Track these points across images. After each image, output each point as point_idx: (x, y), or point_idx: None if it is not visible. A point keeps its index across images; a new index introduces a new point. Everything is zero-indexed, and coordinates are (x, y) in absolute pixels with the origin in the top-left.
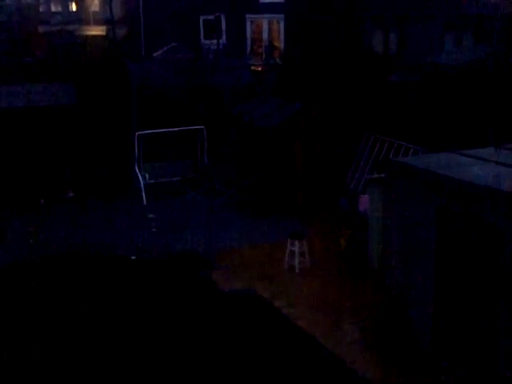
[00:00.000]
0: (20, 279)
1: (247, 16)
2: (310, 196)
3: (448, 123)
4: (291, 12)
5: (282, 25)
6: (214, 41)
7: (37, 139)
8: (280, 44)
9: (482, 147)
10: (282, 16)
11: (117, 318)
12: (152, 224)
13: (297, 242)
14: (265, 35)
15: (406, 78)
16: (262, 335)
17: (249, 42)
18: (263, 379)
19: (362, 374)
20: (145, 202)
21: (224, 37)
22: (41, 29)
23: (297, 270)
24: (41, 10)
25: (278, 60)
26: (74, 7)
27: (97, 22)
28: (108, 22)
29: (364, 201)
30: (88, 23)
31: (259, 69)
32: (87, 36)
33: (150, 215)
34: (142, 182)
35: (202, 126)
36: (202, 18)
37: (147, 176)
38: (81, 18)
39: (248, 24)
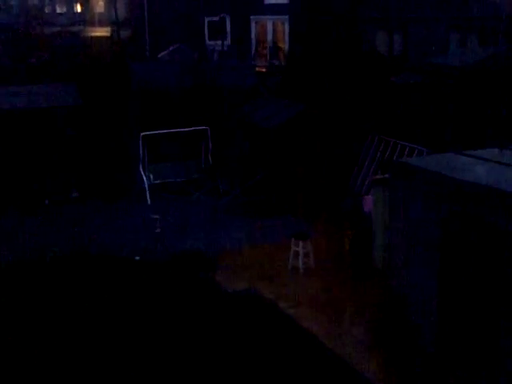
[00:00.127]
0: (24, 279)
1: (252, 17)
2: (314, 197)
3: (452, 124)
4: (295, 13)
5: (286, 26)
6: (219, 42)
7: (41, 140)
8: (284, 45)
9: (486, 148)
10: (286, 17)
11: (121, 319)
12: (156, 224)
13: (301, 243)
14: (269, 36)
15: (410, 79)
16: (266, 336)
17: (253, 43)
18: (266, 379)
19: (366, 374)
20: (149, 203)
21: (228, 38)
22: (46, 30)
23: (301, 271)
24: (46, 11)
25: (282, 61)
26: (78, 8)
27: (101, 24)
28: (113, 23)
29: (368, 201)
30: (93, 24)
31: (263, 70)
32: (92, 37)
33: (154, 216)
34: (146, 183)
35: (207, 127)
36: (206, 19)
37: (151, 176)
38: (85, 19)
39: (252, 25)
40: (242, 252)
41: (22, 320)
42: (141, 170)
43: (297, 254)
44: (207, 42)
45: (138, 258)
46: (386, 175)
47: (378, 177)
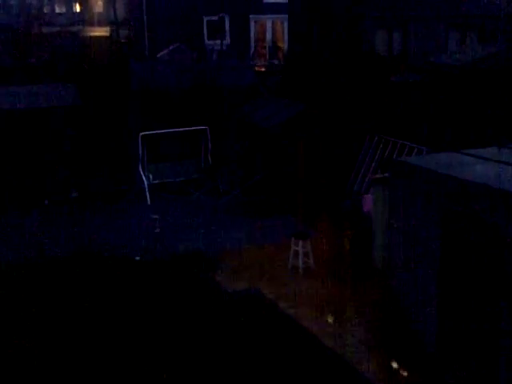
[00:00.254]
0: (24, 279)
1: (251, 16)
2: (314, 196)
3: (452, 123)
4: (295, 12)
5: (285, 25)
6: (218, 41)
7: (41, 140)
8: (284, 44)
9: (485, 147)
10: (285, 16)
11: (121, 319)
12: (156, 224)
13: (301, 242)
14: (268, 36)
15: (409, 77)
16: (266, 336)
17: (252, 42)
18: (267, 379)
19: (366, 374)
20: (149, 203)
21: (228, 37)
22: (45, 30)
23: (300, 271)
24: (45, 11)
25: (281, 61)
26: (77, 8)
27: (101, 23)
28: (112, 22)
29: (368, 201)
30: (92, 24)
31: (263, 69)
32: (91, 37)
33: (154, 216)
34: (145, 183)
35: (206, 127)
36: (205, 19)
37: (151, 176)
38: (85, 19)
39: (252, 24)
40: (242, 252)
41: (22, 320)
42: (140, 169)
43: (297, 253)
44: (206, 41)
45: (138, 257)
46: (386, 174)
47: (377, 176)
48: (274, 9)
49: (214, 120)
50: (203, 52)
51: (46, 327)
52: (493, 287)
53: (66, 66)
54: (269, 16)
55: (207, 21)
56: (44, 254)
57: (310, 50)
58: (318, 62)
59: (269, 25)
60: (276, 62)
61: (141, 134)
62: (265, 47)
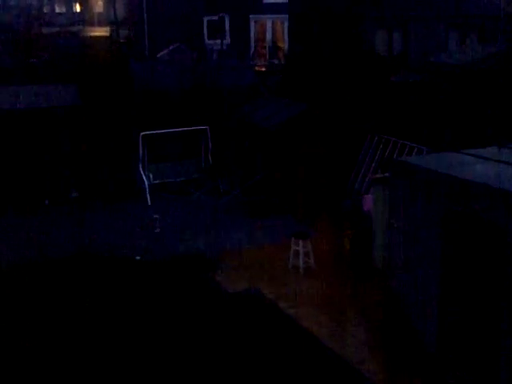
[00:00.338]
0: (24, 279)
1: (251, 16)
2: (314, 196)
3: (452, 123)
4: (295, 12)
5: (285, 25)
6: (218, 41)
7: (41, 140)
8: (284, 44)
9: (485, 147)
10: (285, 16)
11: (121, 318)
12: (156, 224)
13: (301, 242)
14: (268, 36)
15: (410, 77)
16: (266, 336)
17: (252, 42)
18: (267, 379)
19: (366, 374)
20: (149, 203)
21: (228, 37)
22: (45, 30)
23: (301, 270)
24: (45, 11)
25: (281, 60)
26: (77, 8)
27: (101, 23)
28: (112, 22)
29: (368, 200)
30: (92, 24)
31: (263, 69)
32: (91, 37)
33: (154, 216)
34: (146, 183)
35: (206, 127)
36: (205, 19)
37: (151, 176)
38: (85, 19)
39: (252, 24)
40: (242, 252)
41: (22, 320)
42: (140, 169)
43: (297, 253)
44: (206, 41)
45: (138, 257)
46: (386, 174)
47: (377, 176)
48: (274, 9)
49: (214, 120)
50: (203, 52)
51: (46, 327)
52: (493, 287)
53: (66, 66)
54: (269, 16)
55: (207, 21)
56: (44, 254)
57: (310, 50)
58: (318, 62)
59: (269, 25)
60: (276, 61)
61: (141, 133)
62: (265, 47)
